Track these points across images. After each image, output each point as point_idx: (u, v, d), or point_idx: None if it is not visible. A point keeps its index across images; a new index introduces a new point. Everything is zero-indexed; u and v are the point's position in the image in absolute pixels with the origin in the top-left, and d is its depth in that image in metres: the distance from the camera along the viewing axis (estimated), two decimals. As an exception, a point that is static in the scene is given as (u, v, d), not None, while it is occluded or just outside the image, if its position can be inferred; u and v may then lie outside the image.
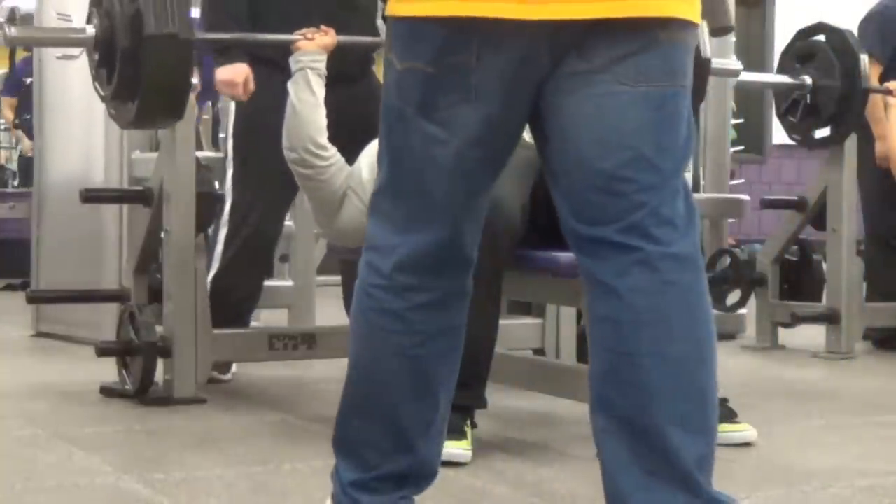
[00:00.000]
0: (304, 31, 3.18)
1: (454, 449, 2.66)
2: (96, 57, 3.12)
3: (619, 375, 1.75)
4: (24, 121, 8.12)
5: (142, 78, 3.00)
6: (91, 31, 3.11)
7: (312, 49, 3.11)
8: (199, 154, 3.70)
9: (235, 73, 3.51)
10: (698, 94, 3.13)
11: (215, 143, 5.83)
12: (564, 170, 1.79)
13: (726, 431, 2.82)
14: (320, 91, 3.05)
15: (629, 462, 1.74)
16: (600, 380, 1.79)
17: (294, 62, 3.08)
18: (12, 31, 3.29)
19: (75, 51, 3.26)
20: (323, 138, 2.98)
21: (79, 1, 4.02)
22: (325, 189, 2.99)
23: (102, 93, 3.15)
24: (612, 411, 1.76)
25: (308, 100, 3.00)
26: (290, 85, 3.04)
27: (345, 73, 3.40)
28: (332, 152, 3.00)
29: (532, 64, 1.74)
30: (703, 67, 3.31)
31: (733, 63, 4.77)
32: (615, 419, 1.75)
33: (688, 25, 1.78)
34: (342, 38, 3.20)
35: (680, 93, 1.77)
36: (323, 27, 3.19)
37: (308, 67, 3.05)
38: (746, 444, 2.96)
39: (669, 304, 1.74)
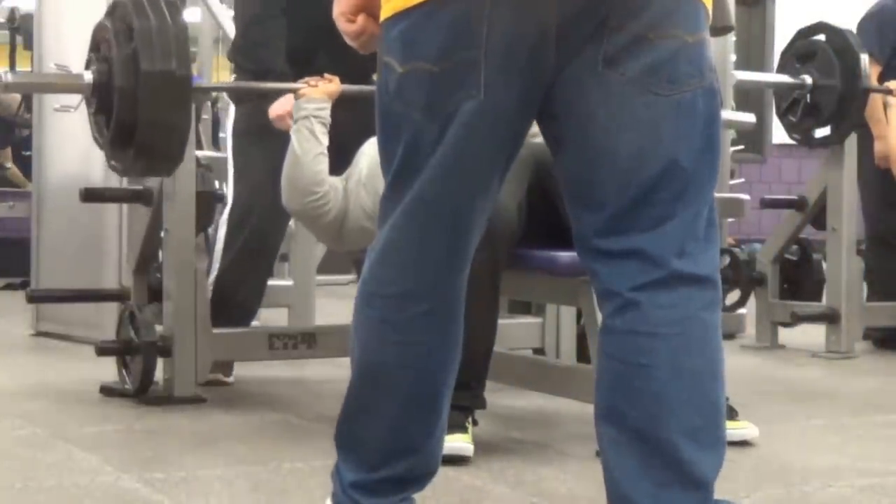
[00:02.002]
0: (307, 78, 3.15)
1: (457, 442, 2.66)
2: (94, 103, 3.09)
3: (631, 386, 1.73)
4: (23, 158, 7.76)
5: (139, 116, 2.97)
6: (89, 77, 3.09)
7: (317, 97, 3.07)
8: (199, 154, 3.70)
9: (287, 106, 3.52)
10: None
11: (215, 143, 5.84)
12: (595, 182, 1.76)
13: (727, 429, 2.82)
14: (324, 139, 3.01)
15: (639, 473, 1.72)
16: (610, 390, 1.76)
17: (298, 109, 3.04)
18: (8, 77, 3.28)
19: (73, 101, 3.23)
20: (323, 186, 2.96)
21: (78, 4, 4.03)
22: (326, 222, 2.99)
23: (101, 140, 3.11)
24: (622, 421, 1.74)
25: (311, 149, 2.97)
26: (293, 133, 3.00)
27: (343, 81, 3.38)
28: (330, 192, 2.98)
29: (540, 55, 1.72)
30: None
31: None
32: (625, 429, 1.73)
33: (706, 19, 1.77)
34: (346, 86, 3.17)
35: (707, 91, 1.75)
36: (327, 75, 3.17)
37: (312, 116, 3.02)
38: (747, 444, 2.97)
39: (687, 320, 1.73)
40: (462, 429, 2.72)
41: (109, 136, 3.04)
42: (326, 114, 3.05)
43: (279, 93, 3.29)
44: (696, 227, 1.75)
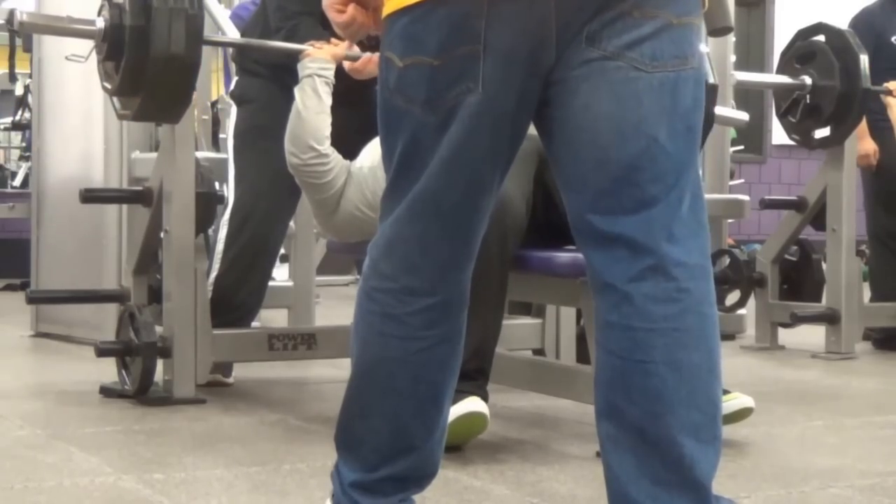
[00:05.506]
0: (312, 41, 3.19)
1: (472, 402, 2.67)
2: (104, 49, 3.13)
3: (630, 383, 1.72)
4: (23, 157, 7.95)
5: (150, 54, 3.01)
6: (101, 23, 3.14)
7: (322, 57, 3.11)
8: (199, 154, 3.70)
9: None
10: (707, 119, 3.11)
11: (215, 143, 5.83)
12: (577, 160, 1.75)
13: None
14: (327, 98, 3.05)
15: (638, 471, 1.72)
16: (608, 387, 1.75)
17: (302, 68, 3.08)
18: (24, 16, 3.30)
19: (83, 53, 3.27)
20: (324, 144, 2.99)
21: (78, 3, 4.04)
22: (326, 192, 3.02)
23: (109, 87, 3.15)
24: (621, 419, 1.73)
25: (313, 106, 3.01)
26: (296, 91, 3.04)
27: (350, 96, 3.39)
28: (332, 156, 3.02)
29: (541, 51, 1.72)
30: (710, 93, 3.31)
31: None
32: (625, 427, 1.73)
33: (698, 6, 1.77)
34: (351, 51, 3.19)
35: (692, 75, 1.75)
36: (333, 39, 3.18)
37: (316, 74, 3.06)
38: (747, 444, 2.97)
39: (684, 313, 1.72)
40: (473, 394, 2.72)
41: (119, 79, 3.08)
42: (330, 74, 3.11)
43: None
44: (681, 210, 1.74)
